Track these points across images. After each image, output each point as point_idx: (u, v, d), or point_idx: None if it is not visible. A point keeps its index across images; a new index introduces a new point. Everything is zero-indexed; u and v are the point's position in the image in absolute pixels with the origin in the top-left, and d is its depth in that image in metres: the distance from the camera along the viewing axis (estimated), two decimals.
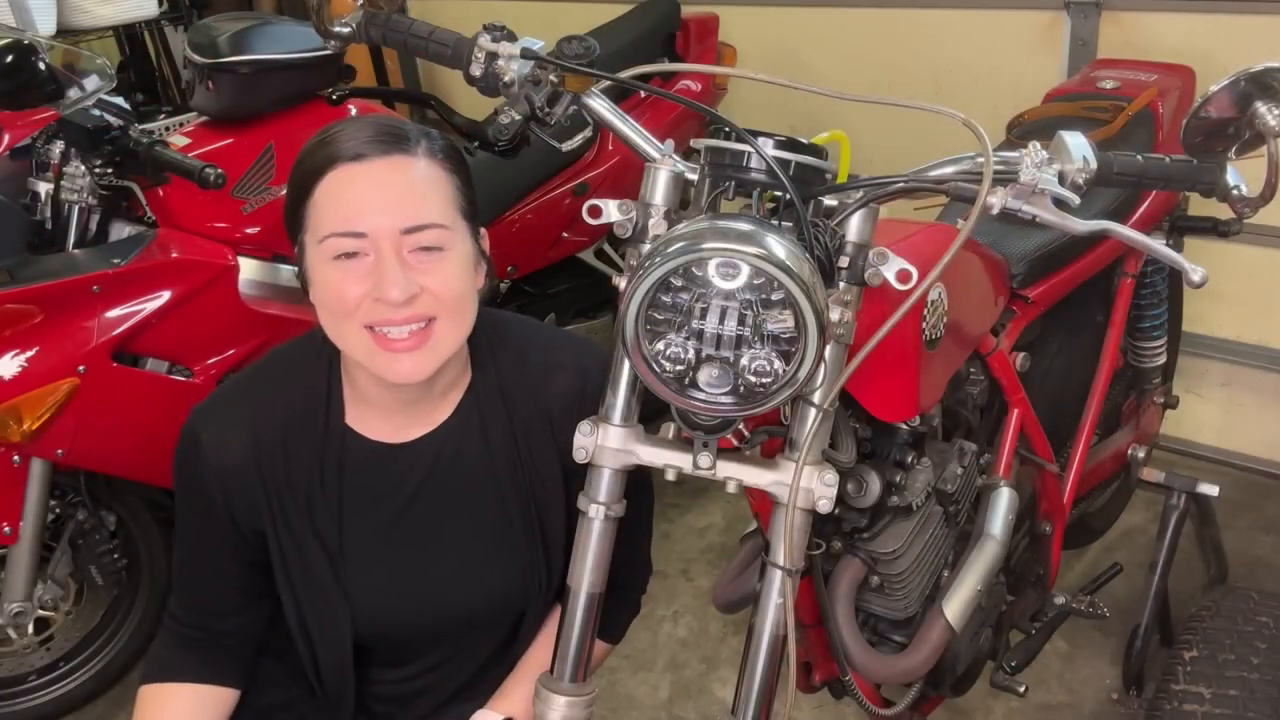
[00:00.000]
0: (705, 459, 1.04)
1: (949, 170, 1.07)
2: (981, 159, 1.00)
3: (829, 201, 1.05)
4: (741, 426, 1.08)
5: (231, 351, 1.99)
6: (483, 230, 1.20)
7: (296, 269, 1.18)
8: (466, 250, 1.15)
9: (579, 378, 1.25)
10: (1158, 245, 1.06)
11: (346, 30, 1.31)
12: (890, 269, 1.00)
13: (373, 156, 1.09)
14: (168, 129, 2.65)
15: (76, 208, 1.97)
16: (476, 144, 2.18)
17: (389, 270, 1.07)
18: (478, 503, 1.26)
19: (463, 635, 1.32)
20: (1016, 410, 1.58)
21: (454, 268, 1.12)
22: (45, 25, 3.45)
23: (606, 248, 2.65)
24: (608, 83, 1.20)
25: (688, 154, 1.15)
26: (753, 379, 0.94)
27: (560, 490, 1.28)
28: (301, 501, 1.22)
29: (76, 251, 1.95)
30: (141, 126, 1.97)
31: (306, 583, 1.23)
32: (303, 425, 1.22)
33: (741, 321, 0.94)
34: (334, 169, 1.09)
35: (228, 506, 1.21)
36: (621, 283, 1.01)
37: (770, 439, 1.11)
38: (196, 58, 2.06)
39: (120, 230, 2.05)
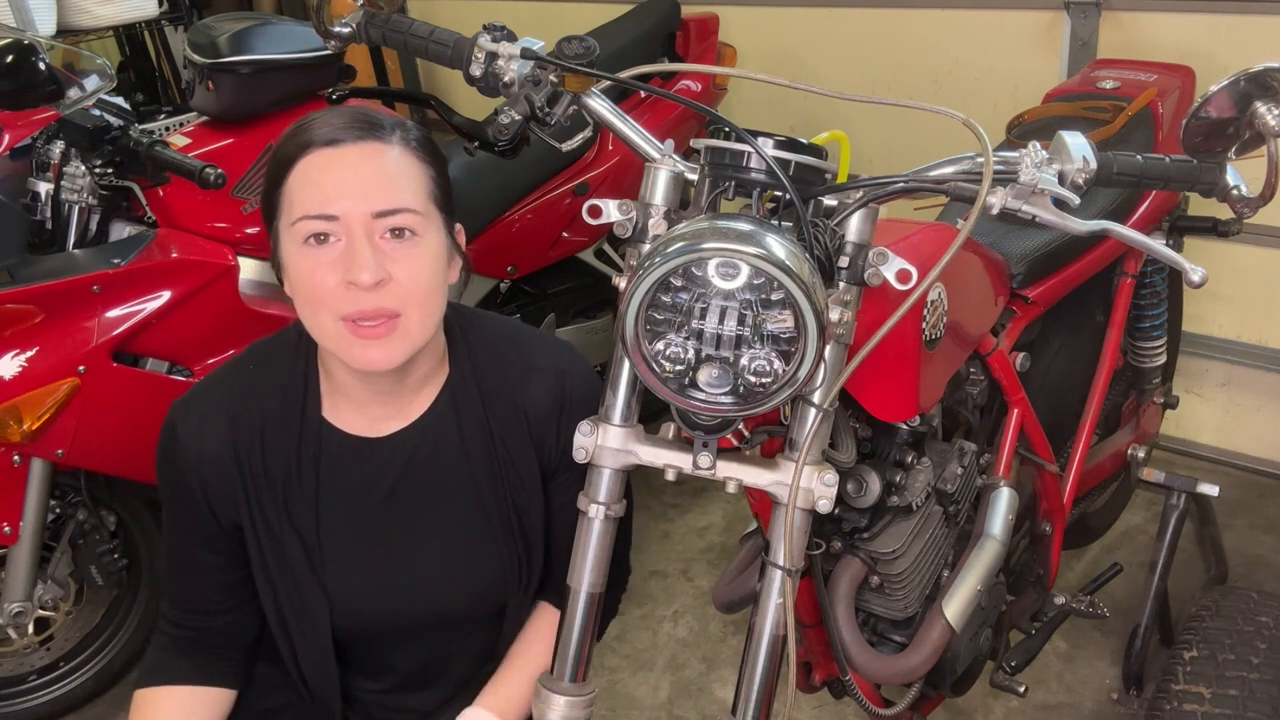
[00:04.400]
0: (705, 459, 1.04)
1: (949, 170, 1.07)
2: (981, 159, 1.00)
3: (829, 201, 1.05)
4: (741, 426, 1.08)
5: (231, 352, 1.99)
6: (458, 225, 1.20)
7: (271, 259, 1.18)
8: (439, 241, 1.15)
9: (557, 382, 1.26)
10: (1157, 245, 1.06)
11: (346, 30, 1.32)
12: (890, 269, 1.00)
13: (347, 142, 1.10)
14: (168, 129, 2.64)
15: (76, 208, 1.97)
16: (476, 144, 2.17)
17: (360, 252, 1.08)
18: (455, 498, 1.26)
19: (444, 633, 1.32)
20: (1016, 410, 1.58)
21: (425, 257, 1.12)
22: (45, 25, 3.45)
23: (606, 248, 2.65)
24: (608, 83, 1.20)
25: (688, 154, 1.14)
26: (752, 379, 0.94)
27: (539, 489, 1.28)
28: (279, 493, 1.22)
29: (76, 251, 1.95)
30: (141, 126, 1.97)
31: (284, 576, 1.24)
32: (280, 417, 1.22)
33: (741, 321, 0.94)
34: (308, 154, 1.10)
35: (205, 497, 1.21)
36: (621, 283, 1.01)
37: (770, 439, 1.10)
38: (196, 58, 2.06)
39: (120, 230, 2.05)
